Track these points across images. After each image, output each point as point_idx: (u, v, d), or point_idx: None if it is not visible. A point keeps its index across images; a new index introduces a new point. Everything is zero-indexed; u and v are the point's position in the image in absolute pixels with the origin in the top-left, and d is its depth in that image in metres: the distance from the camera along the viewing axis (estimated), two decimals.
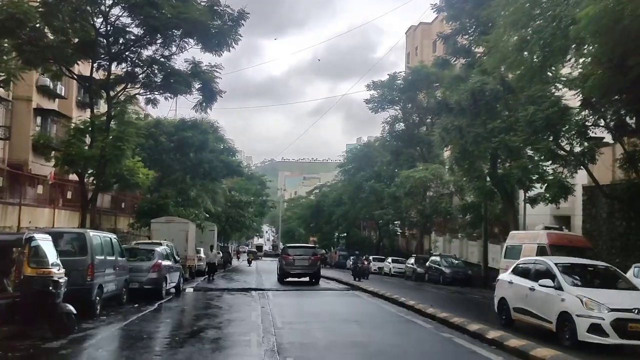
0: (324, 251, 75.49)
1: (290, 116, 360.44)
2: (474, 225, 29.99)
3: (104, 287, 13.16)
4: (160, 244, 21.15)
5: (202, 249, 32.70)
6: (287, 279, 25.54)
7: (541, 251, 20.65)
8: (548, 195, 19.36)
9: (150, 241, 22.43)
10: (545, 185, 25.61)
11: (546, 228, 21.61)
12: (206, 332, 11.11)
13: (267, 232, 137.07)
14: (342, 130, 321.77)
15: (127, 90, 20.30)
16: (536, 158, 18.72)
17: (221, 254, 36.50)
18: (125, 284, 15.39)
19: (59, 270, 10.17)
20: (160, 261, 17.39)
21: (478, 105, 20.08)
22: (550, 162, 18.42)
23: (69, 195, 24.10)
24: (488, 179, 27.25)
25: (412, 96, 43.99)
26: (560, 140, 17.49)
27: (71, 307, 10.13)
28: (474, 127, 20.60)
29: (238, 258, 72.33)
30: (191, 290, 21.99)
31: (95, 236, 13.28)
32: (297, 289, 22.62)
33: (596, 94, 14.57)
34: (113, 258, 14.13)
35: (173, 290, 19.60)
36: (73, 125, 20.52)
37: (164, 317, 13.60)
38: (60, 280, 10.08)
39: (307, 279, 25.47)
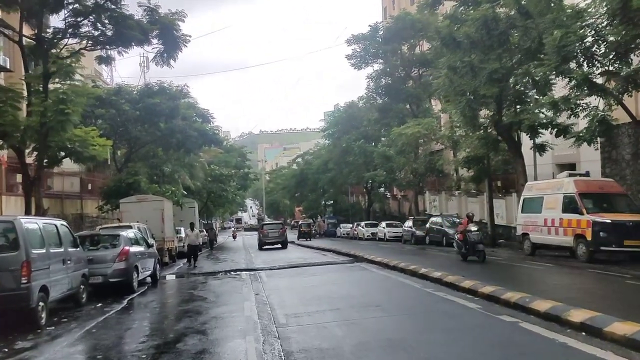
0: (310, 221, 73.29)
1: (269, 87, 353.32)
2: (478, 179, 27.33)
3: (49, 289, 10.10)
4: (130, 227, 18.19)
5: (182, 229, 29.70)
6: (264, 247, 33.63)
7: (569, 201, 18.11)
8: (582, 135, 16.52)
9: (118, 225, 19.34)
10: (555, 130, 23.22)
11: (570, 175, 19.03)
12: (186, 341, 8.19)
13: (251, 207, 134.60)
14: (319, 99, 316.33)
15: (69, 44, 16.81)
16: (569, 90, 15.70)
17: (205, 232, 33.30)
18: (84, 279, 12.37)
19: None
20: (127, 248, 14.36)
21: (492, 36, 17.05)
22: (584, 94, 15.51)
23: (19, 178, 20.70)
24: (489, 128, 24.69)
25: (396, 48, 40.80)
26: (595, 67, 14.64)
27: None
28: (487, 62, 17.59)
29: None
30: (172, 277, 19.07)
31: (31, 224, 10.13)
32: (293, 265, 19.80)
33: None
34: (61, 250, 11.05)
35: (149, 279, 16.71)
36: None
37: (132, 319, 10.63)
38: None
39: (279, 246, 33.49)
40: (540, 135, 23.95)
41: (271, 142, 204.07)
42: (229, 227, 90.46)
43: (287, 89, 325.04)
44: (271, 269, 18.96)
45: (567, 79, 14.89)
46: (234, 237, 60.53)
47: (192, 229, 23.63)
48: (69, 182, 27.71)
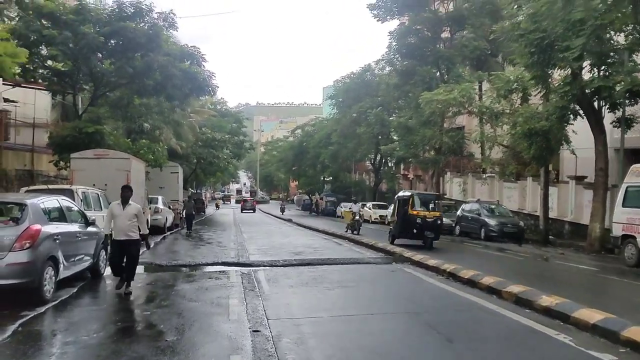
0: (307, 197, 67.74)
1: (268, 56, 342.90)
2: (541, 159, 21.43)
3: None
4: (70, 191, 12.32)
5: (159, 198, 23.75)
6: (243, 212, 55.14)
7: None
8: None
9: (47, 187, 13.37)
10: None
11: None
12: None
13: (245, 183, 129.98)
14: (318, 76, 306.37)
15: None
16: None
17: (183, 205, 27.10)
18: None
19: None
20: (37, 226, 8.36)
21: None
22: None
23: None
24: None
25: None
26: None
27: None
28: None
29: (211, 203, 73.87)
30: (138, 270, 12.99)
31: None
32: (303, 262, 13.75)
33: None
34: None
35: (88, 274, 10.85)
36: None
37: None
38: None
39: (252, 211, 57.50)
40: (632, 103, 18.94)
41: (268, 115, 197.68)
42: (219, 198, 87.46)
43: (288, 59, 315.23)
44: (272, 266, 13.03)
45: None
46: (217, 207, 66.69)
47: (123, 203, 9.40)
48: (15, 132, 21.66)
